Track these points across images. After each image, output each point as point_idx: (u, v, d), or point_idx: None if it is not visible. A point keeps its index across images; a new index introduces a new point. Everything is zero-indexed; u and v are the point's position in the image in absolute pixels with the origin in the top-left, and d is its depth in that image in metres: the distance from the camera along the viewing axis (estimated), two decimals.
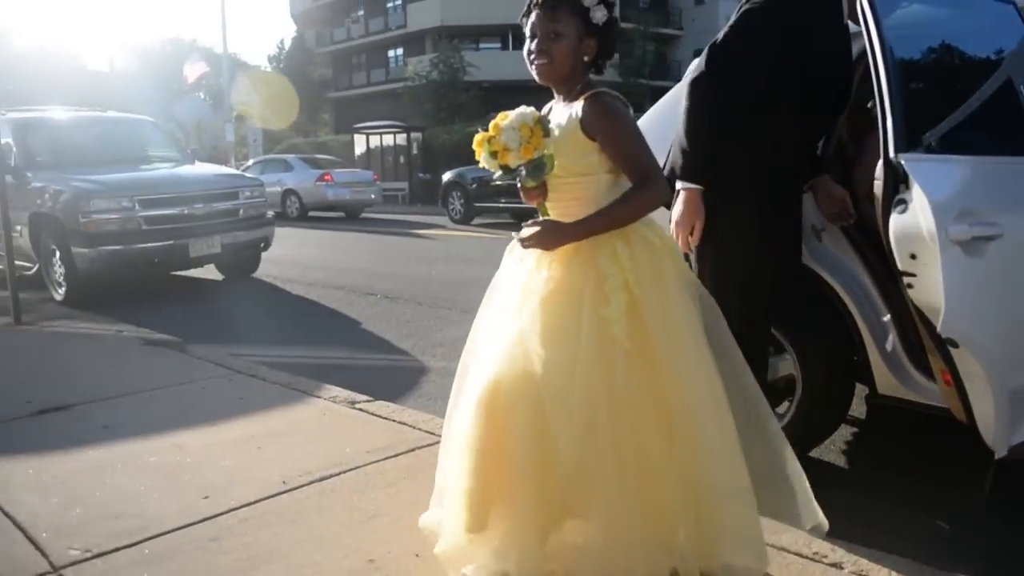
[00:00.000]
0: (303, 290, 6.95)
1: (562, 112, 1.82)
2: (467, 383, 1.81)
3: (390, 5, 39.78)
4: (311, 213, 16.77)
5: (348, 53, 43.09)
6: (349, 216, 17.04)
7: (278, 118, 34.88)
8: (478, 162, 1.78)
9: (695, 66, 2.28)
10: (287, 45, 45.87)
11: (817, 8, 2.09)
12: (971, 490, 2.37)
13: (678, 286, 1.74)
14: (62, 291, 6.33)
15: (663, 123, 2.56)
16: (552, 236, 1.73)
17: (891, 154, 1.66)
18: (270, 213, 7.45)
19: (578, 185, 1.77)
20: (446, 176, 15.05)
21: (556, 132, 1.76)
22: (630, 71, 32.04)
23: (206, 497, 2.33)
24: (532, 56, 1.81)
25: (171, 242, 6.32)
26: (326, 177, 16.49)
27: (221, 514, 2.21)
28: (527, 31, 1.82)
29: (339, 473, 2.50)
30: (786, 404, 2.68)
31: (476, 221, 14.36)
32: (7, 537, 2.11)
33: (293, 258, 8.83)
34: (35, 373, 3.97)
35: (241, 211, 6.90)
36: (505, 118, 1.73)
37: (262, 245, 7.26)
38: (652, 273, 1.70)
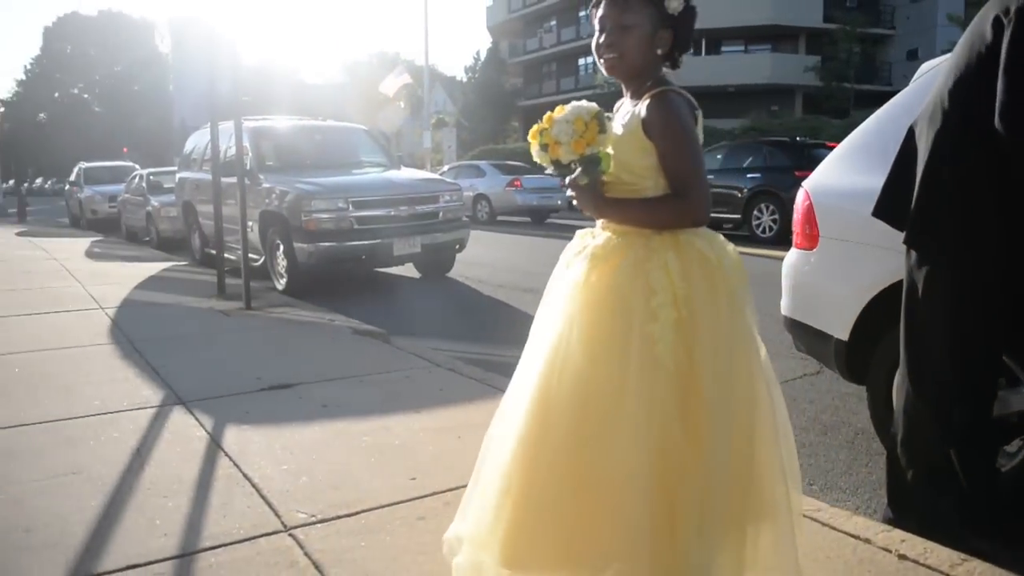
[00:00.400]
0: (492, 291, 7.22)
1: (628, 109, 1.73)
2: (510, 397, 1.77)
3: (582, 14, 40.25)
4: (500, 217, 17.34)
5: (539, 62, 44.17)
6: (535, 221, 17.43)
7: (471, 126, 36.44)
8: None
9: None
10: (482, 56, 47.81)
11: None
12: None
13: (733, 308, 1.62)
14: (283, 281, 7.03)
15: (886, 137, 2.38)
16: (586, 198, 1.73)
17: None
18: (466, 216, 7.79)
19: (635, 189, 1.69)
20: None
21: (619, 131, 1.69)
22: (832, 74, 30.16)
23: (413, 479, 2.50)
24: (601, 50, 1.73)
25: (378, 241, 6.82)
26: (516, 183, 16.98)
27: (427, 496, 2.37)
28: (596, 23, 1.74)
29: None
30: (1018, 442, 2.42)
31: None
32: (246, 496, 2.39)
33: (484, 260, 9.19)
34: (262, 353, 4.44)
35: (441, 214, 7.31)
36: (562, 111, 1.68)
37: (457, 246, 7.64)
38: (705, 291, 1.59)
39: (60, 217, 21.31)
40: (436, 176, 8.65)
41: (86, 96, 61.47)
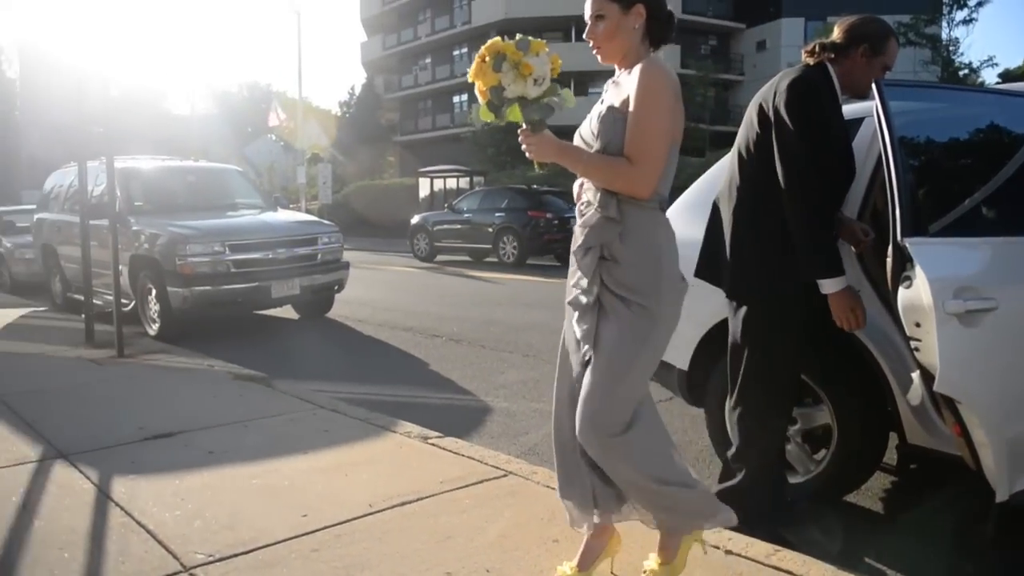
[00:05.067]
0: (373, 330, 7.40)
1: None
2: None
3: (456, 53, 41.22)
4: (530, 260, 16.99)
5: (415, 98, 44.66)
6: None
7: (346, 160, 36.27)
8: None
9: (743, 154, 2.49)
10: (357, 91, 47.77)
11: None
12: (980, 532, 2.57)
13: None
14: (156, 327, 6.92)
15: (707, 197, 2.85)
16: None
17: (898, 238, 1.95)
18: (344, 258, 7.95)
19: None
20: (413, 220, 17.37)
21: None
22: (689, 115, 32.33)
23: (305, 515, 2.69)
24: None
25: (256, 284, 6.87)
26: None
27: (319, 530, 2.57)
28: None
29: (417, 500, 2.83)
30: (823, 452, 2.92)
31: (529, 261, 14.84)
32: (142, 542, 2.51)
33: (363, 299, 9.33)
34: (141, 402, 4.44)
35: (319, 256, 7.44)
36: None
37: (336, 287, 7.77)
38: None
39: None
40: (314, 218, 8.74)
41: None
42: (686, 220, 3.40)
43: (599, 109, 1.94)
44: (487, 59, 1.77)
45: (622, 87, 1.90)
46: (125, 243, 6.98)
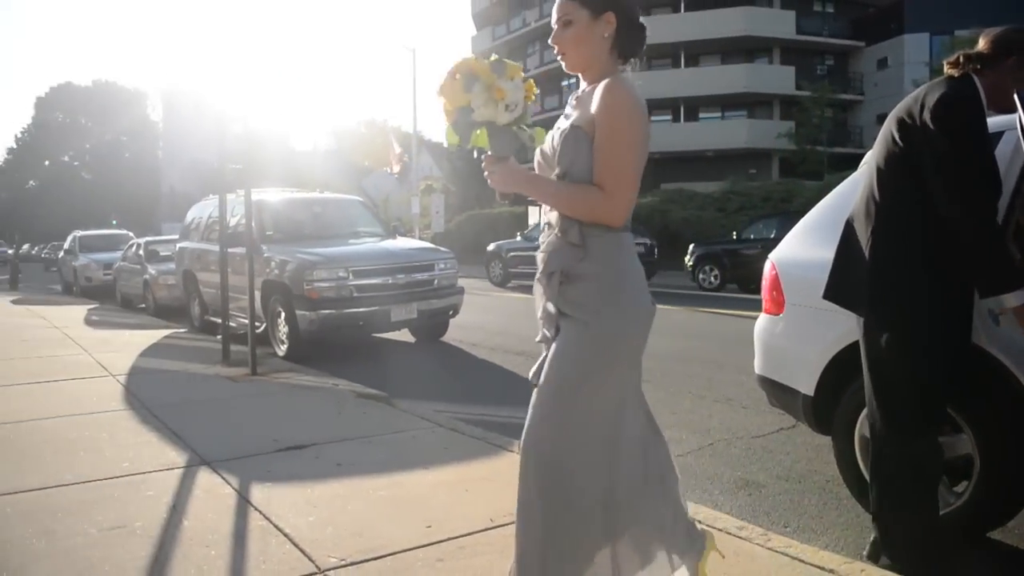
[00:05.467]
0: (487, 354, 7.54)
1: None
2: None
3: (564, 83, 41.54)
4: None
5: None
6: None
7: (458, 191, 37.25)
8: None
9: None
10: None
11: None
12: None
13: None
14: (284, 347, 7.33)
15: (836, 218, 2.77)
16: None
17: None
18: (460, 283, 8.16)
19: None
20: (490, 247, 18.02)
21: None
22: (805, 138, 31.27)
23: (429, 526, 2.78)
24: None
25: (376, 308, 7.17)
26: None
27: (443, 541, 2.65)
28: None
29: None
30: (964, 484, 2.74)
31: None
32: (280, 544, 2.66)
33: (476, 324, 9.52)
34: (273, 416, 4.71)
35: (436, 281, 7.69)
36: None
37: (451, 312, 7.98)
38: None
39: (52, 284, 21.52)
40: (431, 245, 9.04)
41: (76, 164, 62.21)
42: (811, 242, 3.33)
43: (561, 125, 1.83)
44: (458, 77, 1.67)
45: (586, 104, 1.79)
46: (257, 269, 7.43)
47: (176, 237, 12.87)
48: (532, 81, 1.77)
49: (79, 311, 12.55)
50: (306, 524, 2.83)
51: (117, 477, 3.43)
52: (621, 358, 1.83)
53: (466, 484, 3.27)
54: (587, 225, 1.77)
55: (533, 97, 1.76)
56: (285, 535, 2.73)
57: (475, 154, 1.84)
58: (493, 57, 1.73)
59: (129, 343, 8.18)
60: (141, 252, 13.41)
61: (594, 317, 1.77)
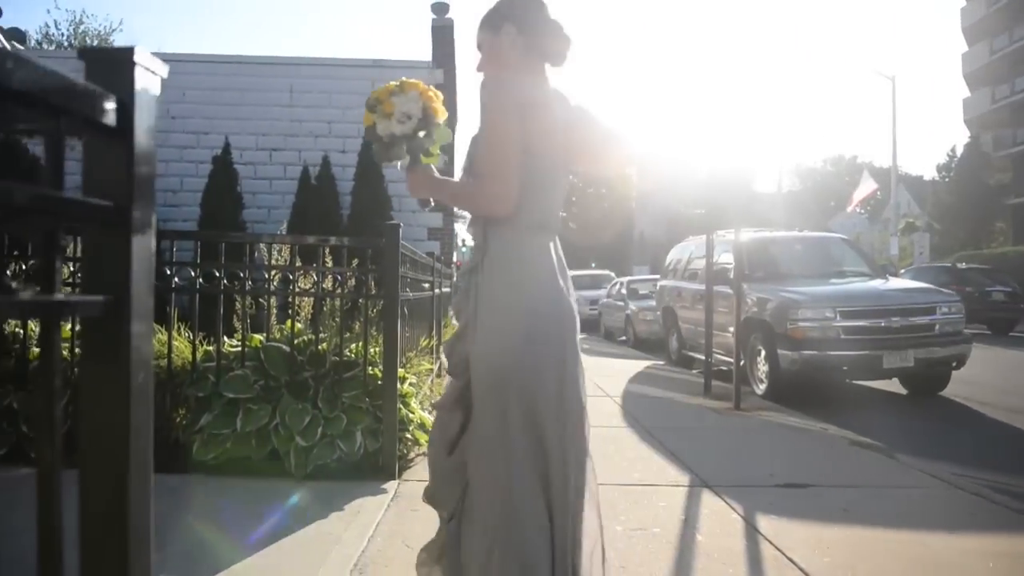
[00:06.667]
0: (1005, 416, 6.41)
1: None
2: None
3: None
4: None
5: None
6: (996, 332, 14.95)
7: (944, 229, 32.91)
8: None
9: None
10: (958, 152, 43.25)
11: None
12: None
13: None
14: (763, 386, 7.28)
15: None
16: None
17: None
18: (966, 330, 7.15)
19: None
20: None
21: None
22: None
23: None
24: None
25: (865, 352, 6.67)
26: None
27: None
28: None
29: None
30: None
31: None
32: None
33: (981, 379, 8.21)
34: (763, 451, 4.70)
35: (937, 326, 6.86)
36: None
37: (955, 363, 7.02)
38: None
39: None
40: (931, 287, 8.11)
41: (563, 214, 71.74)
42: None
43: None
44: (367, 104, 1.88)
45: None
46: (736, 307, 7.57)
47: (655, 277, 13.89)
48: (436, 93, 1.90)
49: None
50: (823, 565, 2.74)
51: (630, 485, 3.79)
52: (535, 363, 1.81)
53: (1000, 558, 2.81)
54: (491, 224, 1.86)
55: (439, 108, 1.88)
56: (801, 570, 2.68)
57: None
58: (402, 79, 1.90)
59: (617, 370, 9.04)
60: (624, 290, 14.77)
61: (487, 315, 1.83)
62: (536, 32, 1.94)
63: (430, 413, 4.84)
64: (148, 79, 0.99)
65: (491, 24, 1.96)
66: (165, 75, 1.04)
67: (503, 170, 1.78)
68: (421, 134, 1.87)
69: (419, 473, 3.73)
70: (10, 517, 0.75)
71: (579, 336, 2.00)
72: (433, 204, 2.19)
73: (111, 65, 0.96)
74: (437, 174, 1.97)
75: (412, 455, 4.09)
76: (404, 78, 1.91)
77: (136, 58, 0.96)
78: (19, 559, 0.74)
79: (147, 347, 1.05)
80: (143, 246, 1.00)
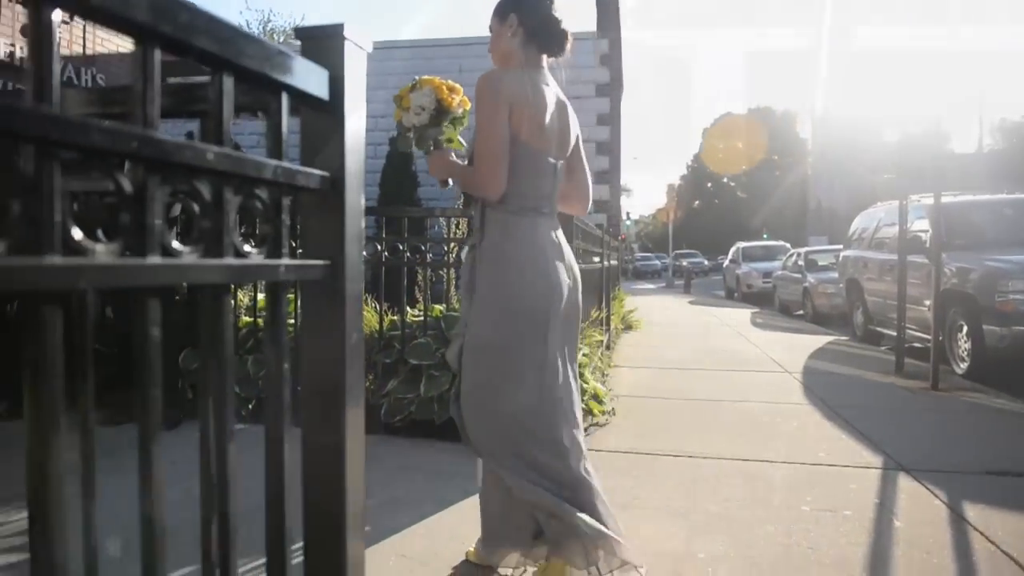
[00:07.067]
0: None
1: None
2: None
3: None
4: None
5: None
6: None
7: None
8: None
9: None
10: None
11: None
12: None
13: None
14: (964, 365, 6.62)
15: None
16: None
17: None
18: None
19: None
20: None
21: None
22: None
23: None
24: None
25: None
26: None
27: None
28: None
29: None
30: None
31: None
32: (1013, 573, 2.38)
33: None
34: (965, 435, 4.28)
35: None
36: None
37: None
38: None
39: (715, 290, 24.23)
40: None
41: (732, 184, 68.81)
42: None
43: None
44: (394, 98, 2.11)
45: None
46: (936, 278, 6.91)
47: (836, 247, 13.01)
48: (450, 85, 2.07)
49: (744, 313, 13.80)
50: None
51: (816, 464, 3.60)
52: (524, 340, 2.01)
53: None
54: (488, 208, 2.06)
55: (455, 102, 2.07)
56: (1021, 566, 2.43)
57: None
58: (415, 79, 2.10)
59: (795, 345, 8.59)
60: (801, 262, 13.95)
61: (493, 306, 2.02)
62: (535, 24, 2.10)
63: (602, 384, 4.85)
64: (356, 55, 1.04)
65: (500, 11, 2.13)
66: (370, 49, 1.09)
67: (490, 155, 1.97)
68: (440, 123, 2.09)
69: (590, 441, 3.75)
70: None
71: (578, 319, 2.22)
72: (451, 184, 2.29)
73: (323, 40, 1.01)
74: (455, 158, 2.16)
75: (585, 425, 4.12)
76: (422, 76, 2.13)
77: (346, 32, 1.01)
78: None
79: (359, 310, 1.11)
80: (355, 214, 1.05)
